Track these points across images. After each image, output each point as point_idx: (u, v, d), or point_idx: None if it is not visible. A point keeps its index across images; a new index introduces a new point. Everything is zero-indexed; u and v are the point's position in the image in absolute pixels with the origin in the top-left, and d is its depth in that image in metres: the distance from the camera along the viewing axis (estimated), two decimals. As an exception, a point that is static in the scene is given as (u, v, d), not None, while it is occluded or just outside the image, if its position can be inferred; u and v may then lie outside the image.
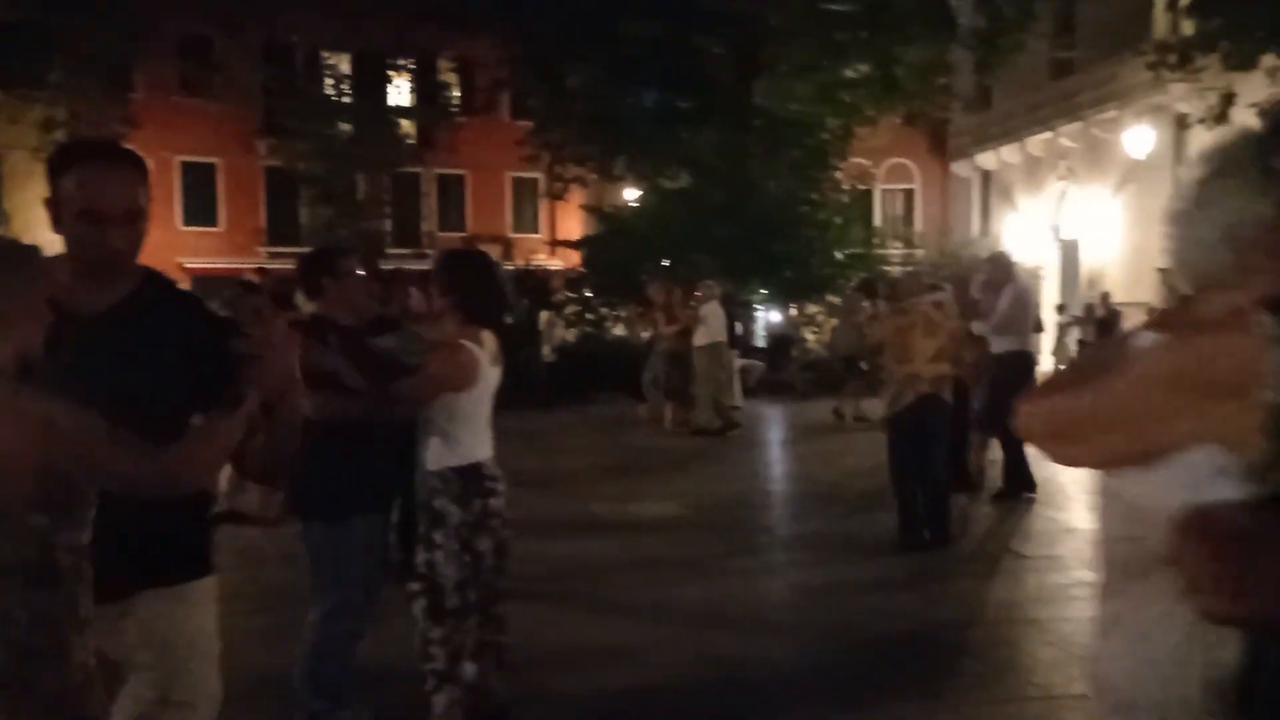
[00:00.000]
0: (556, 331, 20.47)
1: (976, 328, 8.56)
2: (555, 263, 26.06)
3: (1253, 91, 12.46)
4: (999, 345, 8.60)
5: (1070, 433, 1.42)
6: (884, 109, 21.50)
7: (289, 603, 4.73)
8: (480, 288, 3.80)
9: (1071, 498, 8.77)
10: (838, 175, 22.28)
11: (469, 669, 3.68)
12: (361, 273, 4.89)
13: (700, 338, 13.49)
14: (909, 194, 31.53)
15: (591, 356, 18.66)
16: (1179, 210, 1.56)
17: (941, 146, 30.18)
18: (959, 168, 29.56)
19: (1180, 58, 11.47)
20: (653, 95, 22.19)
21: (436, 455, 3.70)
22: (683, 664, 5.12)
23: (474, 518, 3.65)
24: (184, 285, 3.37)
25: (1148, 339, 1.44)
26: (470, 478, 3.69)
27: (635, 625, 5.73)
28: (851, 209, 22.97)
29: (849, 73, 20.77)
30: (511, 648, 3.90)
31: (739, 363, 15.64)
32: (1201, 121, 11.99)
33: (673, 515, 8.65)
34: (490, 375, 3.77)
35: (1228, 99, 11.48)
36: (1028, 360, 8.78)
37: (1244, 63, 10.72)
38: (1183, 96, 16.87)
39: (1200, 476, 1.28)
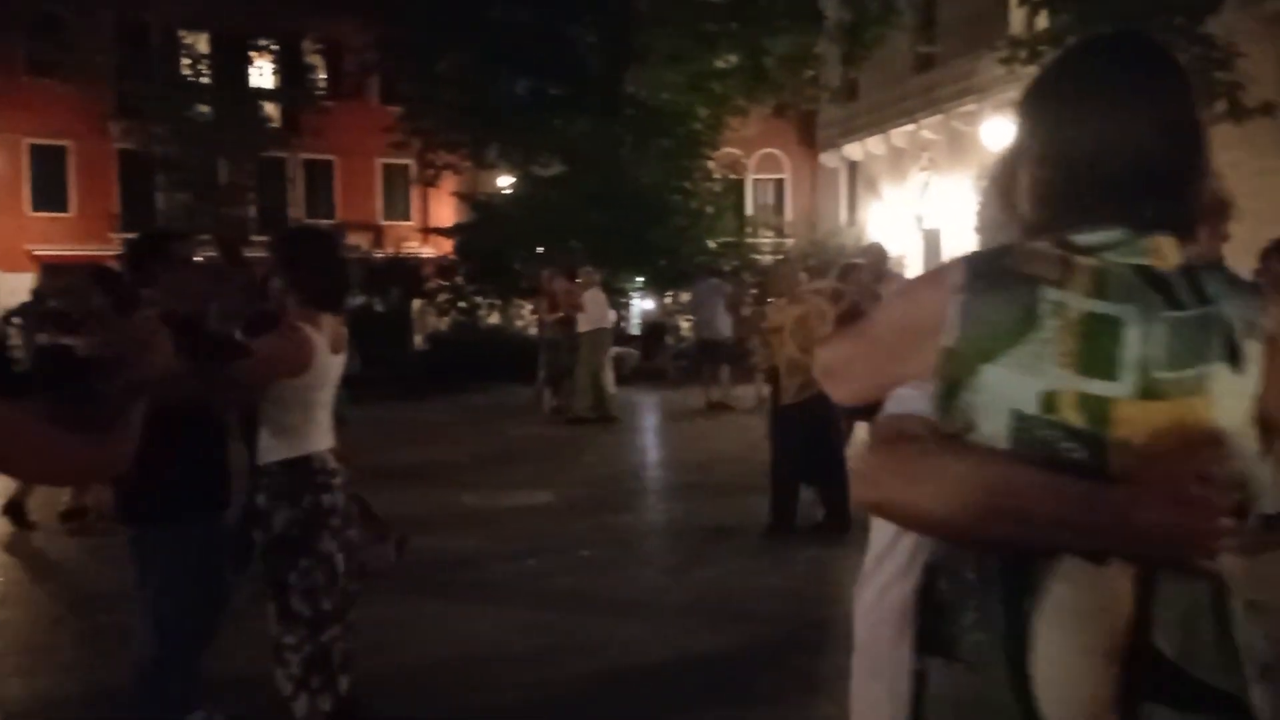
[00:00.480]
0: (429, 320, 20.19)
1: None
2: (428, 250, 25.68)
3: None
4: None
5: (837, 371, 1.60)
6: (754, 99, 21.79)
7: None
8: (320, 268, 3.53)
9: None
10: (709, 165, 22.51)
11: (343, 682, 3.48)
12: (198, 259, 4.53)
13: (583, 324, 13.46)
14: (779, 184, 32.04)
15: (466, 345, 18.46)
16: (981, 187, 1.81)
17: (811, 137, 30.74)
18: (827, 158, 30.14)
19: (1030, 53, 11.90)
20: (525, 82, 22.06)
21: (264, 448, 3.44)
22: (553, 651, 5.12)
23: (305, 515, 3.37)
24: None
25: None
26: (300, 471, 3.41)
27: (505, 615, 5.70)
28: (723, 198, 23.24)
29: (719, 63, 20.99)
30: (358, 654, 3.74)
31: (614, 351, 15.66)
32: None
33: (545, 504, 8.62)
34: (329, 362, 3.50)
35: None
36: None
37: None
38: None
39: (908, 402, 1.46)
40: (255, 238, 26.42)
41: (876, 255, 9.09)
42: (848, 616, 2.30)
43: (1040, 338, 1.30)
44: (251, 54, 29.43)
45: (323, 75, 30.12)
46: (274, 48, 29.66)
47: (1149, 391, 1.28)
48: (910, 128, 25.45)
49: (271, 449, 3.44)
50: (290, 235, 3.74)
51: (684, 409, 14.95)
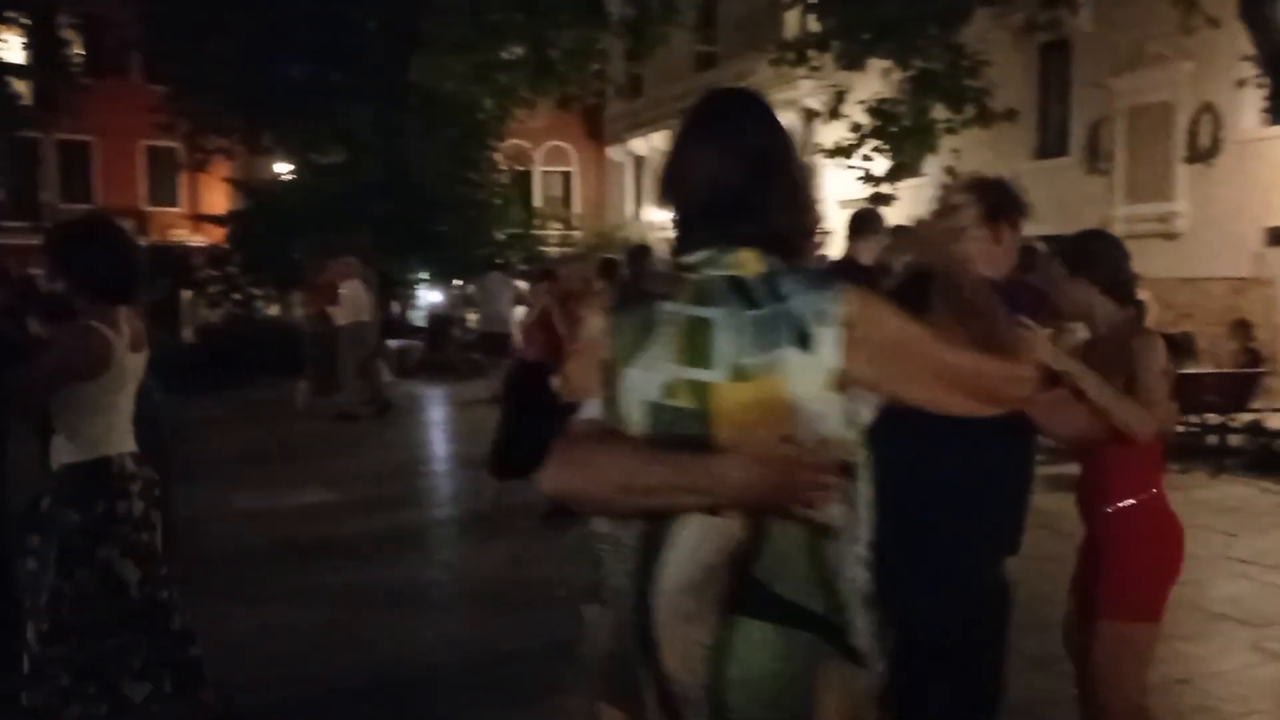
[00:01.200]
0: (200, 312, 19.26)
1: None
2: (198, 239, 24.45)
3: (867, 86, 13.76)
4: None
5: (571, 381, 1.81)
6: (539, 92, 21.80)
7: None
8: (107, 260, 3.31)
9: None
10: (496, 156, 22.39)
11: (136, 689, 3.30)
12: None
13: (340, 317, 13.08)
14: (567, 176, 32.23)
15: (239, 338, 17.70)
16: None
17: (598, 131, 31.06)
18: (614, 152, 30.56)
19: (798, 56, 12.46)
20: (304, 66, 21.28)
21: (56, 450, 3.25)
22: (328, 649, 5.01)
23: (92, 522, 3.18)
24: None
25: None
26: (92, 476, 3.22)
27: (279, 614, 5.53)
28: (510, 190, 23.17)
29: (504, 54, 20.90)
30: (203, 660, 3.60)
31: (395, 344, 15.38)
32: (818, 115, 13.14)
33: (321, 502, 8.39)
34: (129, 361, 3.31)
35: (839, 95, 12.62)
36: None
37: (854, 63, 11.84)
38: (810, 92, 18.32)
39: (595, 411, 1.72)
40: (3, 223, 24.55)
41: (638, 255, 9.18)
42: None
43: (658, 341, 1.62)
44: (-2, 27, 27.17)
45: (80, 51, 28.11)
46: (24, 21, 27.47)
47: (737, 375, 1.57)
48: (692, 124, 26.12)
49: (64, 451, 3.25)
50: (70, 230, 3.48)
51: (467, 402, 14.85)
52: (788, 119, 21.01)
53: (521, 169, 26.36)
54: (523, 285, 16.59)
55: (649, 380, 1.62)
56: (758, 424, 1.55)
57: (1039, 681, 4.01)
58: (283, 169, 23.33)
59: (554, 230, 26.01)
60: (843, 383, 1.59)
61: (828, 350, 1.58)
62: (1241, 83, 10.07)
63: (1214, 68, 13.01)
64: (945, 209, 1.94)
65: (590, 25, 20.18)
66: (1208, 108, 15.57)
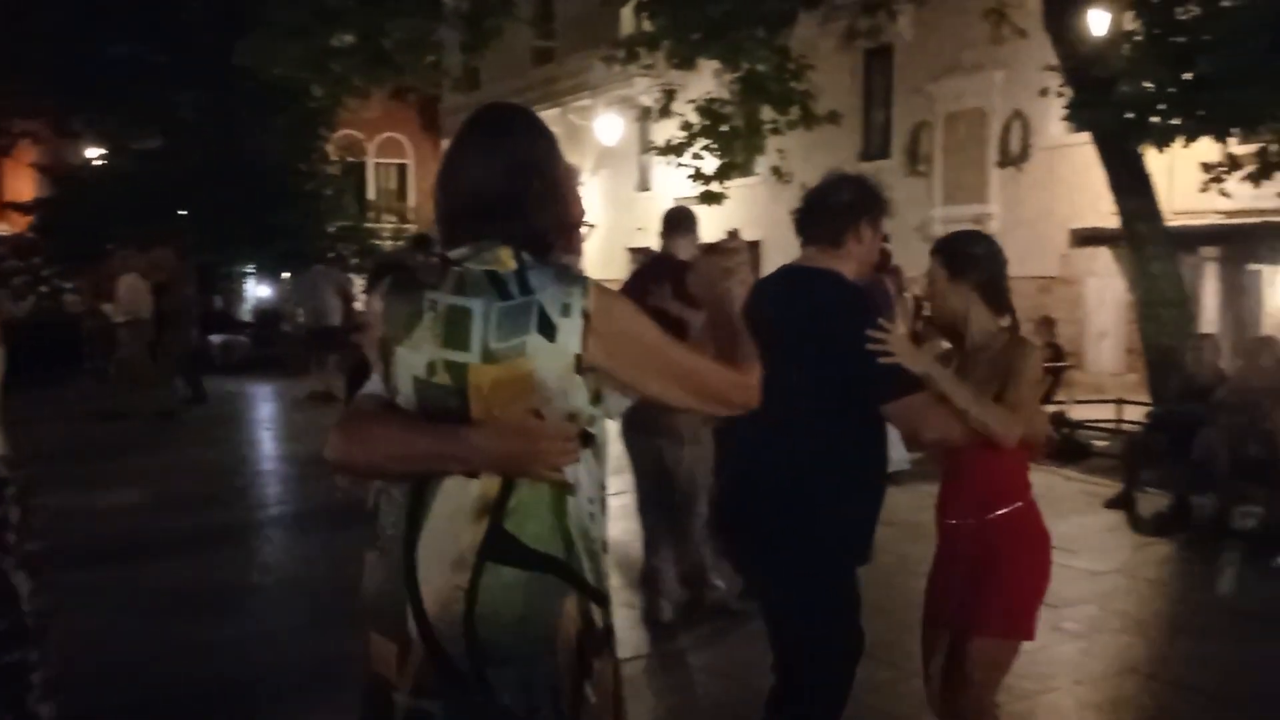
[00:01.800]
0: (5, 305, 18.08)
1: None
2: (2, 228, 22.95)
3: (700, 86, 13.95)
4: None
5: (372, 360, 1.98)
6: (373, 81, 21.29)
7: None
8: None
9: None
10: (327, 146, 21.80)
11: (44, 708, 3.16)
12: None
13: (117, 314, 12.47)
14: (402, 168, 31.59)
15: (47, 332, 16.68)
16: None
17: (434, 123, 30.56)
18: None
19: (628, 53, 12.56)
20: (122, 47, 20.22)
21: None
22: (150, 657, 4.81)
23: None
24: None
25: None
26: None
27: (100, 622, 5.23)
28: (343, 181, 22.60)
29: (336, 41, 20.32)
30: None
31: (219, 339, 14.81)
32: (649, 113, 13.28)
33: (135, 502, 8.02)
34: None
35: (670, 94, 12.78)
36: None
37: (685, 62, 12.00)
38: (646, 90, 18.47)
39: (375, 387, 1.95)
40: None
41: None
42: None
43: (424, 324, 1.83)
44: None
45: None
46: None
47: (488, 357, 1.80)
48: (530, 118, 26.00)
49: None
50: None
51: (290, 399, 14.46)
52: (624, 116, 21.23)
53: (354, 160, 25.69)
54: (357, 279, 16.22)
55: (416, 359, 1.84)
56: (508, 400, 1.80)
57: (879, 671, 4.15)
58: (95, 154, 22.14)
59: (389, 223, 25.50)
60: (583, 367, 1.82)
61: (569, 337, 1.80)
62: (1044, 91, 10.62)
63: (1024, 77, 13.69)
64: (724, 249, 2.16)
65: (426, 15, 19.82)
66: (1018, 115, 16.43)
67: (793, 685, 2.91)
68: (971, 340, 3.05)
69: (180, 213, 17.94)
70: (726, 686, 4.53)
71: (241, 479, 9.32)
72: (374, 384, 1.94)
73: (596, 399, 1.88)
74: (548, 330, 1.80)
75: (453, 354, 1.81)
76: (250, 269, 20.26)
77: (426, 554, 1.83)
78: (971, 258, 3.04)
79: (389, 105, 24.78)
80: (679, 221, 5.36)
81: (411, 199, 30.72)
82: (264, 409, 14.34)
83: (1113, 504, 7.96)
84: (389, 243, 21.85)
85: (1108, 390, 11.83)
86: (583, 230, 2.11)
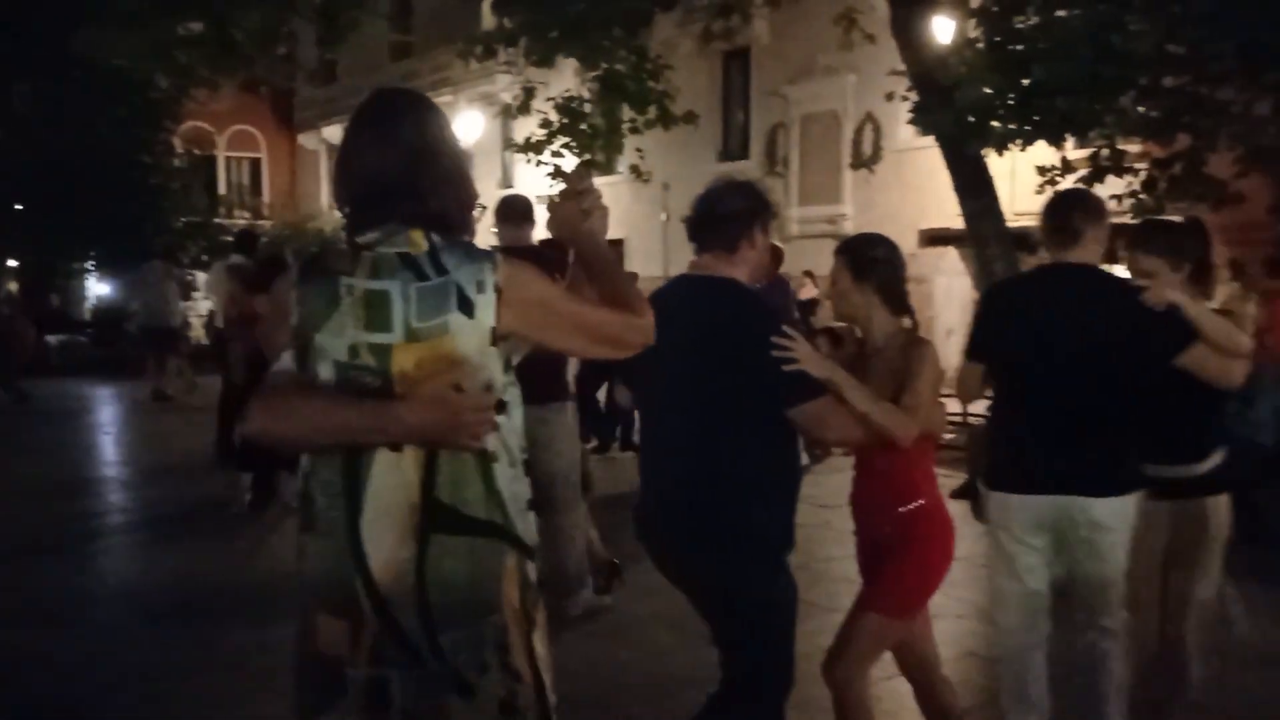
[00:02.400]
0: None
1: None
2: None
3: (561, 84, 13.92)
4: None
5: (267, 346, 2.08)
6: (221, 73, 20.57)
7: None
8: None
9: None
10: (173, 138, 20.97)
11: None
12: None
13: None
14: (256, 163, 30.63)
15: None
16: None
17: (289, 116, 29.75)
18: (306, 139, 29.38)
19: (486, 50, 12.47)
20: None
21: None
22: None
23: None
24: None
25: None
26: None
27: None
28: (191, 174, 21.77)
29: (182, 30, 19.54)
30: None
31: (56, 339, 14.09)
32: (511, 110, 13.19)
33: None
34: None
35: (529, 92, 12.73)
36: None
37: (544, 60, 11.96)
38: (507, 87, 18.34)
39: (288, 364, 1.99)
40: None
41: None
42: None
43: (342, 309, 1.90)
44: None
45: None
46: None
47: (411, 337, 1.88)
48: (389, 114, 25.52)
49: None
50: None
51: (131, 399, 13.92)
52: (485, 113, 21.02)
53: (203, 154, 24.76)
54: (201, 275, 15.64)
55: (336, 343, 1.90)
56: (431, 376, 1.88)
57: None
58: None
59: (240, 219, 24.68)
60: (498, 338, 1.92)
61: (485, 312, 1.89)
62: (890, 96, 10.96)
63: (875, 81, 14.11)
64: (575, 191, 2.17)
65: (277, 6, 19.23)
66: (870, 118, 16.94)
67: (741, 676, 2.97)
68: (872, 341, 3.15)
69: (16, 207, 16.99)
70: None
71: (72, 486, 8.87)
72: (285, 362, 1.98)
73: (508, 367, 1.98)
74: (466, 308, 1.89)
75: (376, 336, 1.88)
76: (90, 266, 19.29)
77: (370, 531, 1.89)
78: (874, 260, 3.13)
79: (240, 97, 24.00)
80: (511, 210, 5.34)
81: (266, 194, 29.80)
82: (100, 412, 13.71)
83: (958, 494, 8.23)
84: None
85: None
86: (475, 211, 2.12)
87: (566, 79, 14.25)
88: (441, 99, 23.41)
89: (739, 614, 2.91)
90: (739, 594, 2.88)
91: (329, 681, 1.94)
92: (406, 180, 1.94)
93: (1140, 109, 8.76)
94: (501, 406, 1.96)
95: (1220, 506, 3.62)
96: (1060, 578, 3.42)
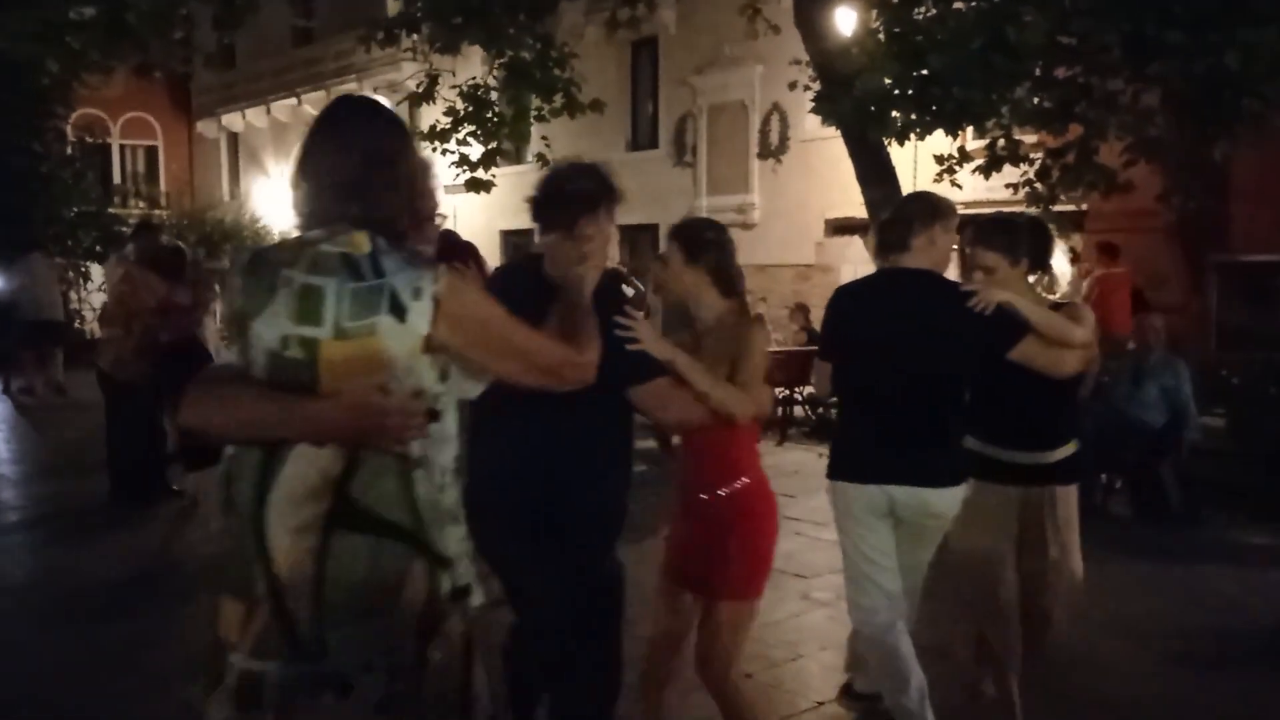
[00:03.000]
0: None
1: None
2: None
3: (468, 71, 13.75)
4: None
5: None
6: (114, 57, 19.91)
7: None
8: None
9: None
10: (65, 126, 20.24)
11: None
12: None
13: None
14: (152, 151, 29.72)
15: None
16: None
17: (186, 103, 28.94)
18: (205, 127, 28.60)
19: (387, 36, 12.28)
20: None
21: None
22: None
23: None
24: None
25: None
26: None
27: None
28: (83, 163, 21.03)
29: (73, 14, 18.86)
30: None
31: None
32: (415, 98, 12.98)
33: None
34: None
35: (433, 79, 12.55)
36: None
37: (447, 46, 11.80)
38: (413, 75, 18.05)
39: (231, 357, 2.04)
40: None
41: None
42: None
43: (279, 300, 1.95)
44: None
45: None
46: None
47: (340, 334, 1.92)
48: (292, 102, 24.99)
49: None
50: None
51: (17, 394, 13.54)
52: (391, 100, 20.70)
53: (96, 142, 23.93)
54: (96, 267, 15.18)
55: (270, 333, 1.94)
56: (357, 374, 1.91)
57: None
58: None
59: (137, 209, 23.95)
60: (431, 347, 1.96)
61: (418, 319, 1.94)
62: (794, 85, 11.06)
63: (781, 71, 14.22)
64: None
65: (173, -13, 18.66)
66: (777, 108, 17.08)
67: (566, 671, 2.95)
68: (703, 321, 3.22)
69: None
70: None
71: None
72: (229, 355, 2.06)
73: (444, 377, 2.03)
74: (398, 311, 1.93)
75: (305, 329, 1.93)
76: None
77: (275, 517, 1.92)
78: (706, 242, 3.22)
79: (135, 83, 23.24)
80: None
81: (163, 183, 28.93)
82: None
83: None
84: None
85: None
86: (435, 221, 2.24)
87: (473, 66, 14.07)
88: (345, 86, 23.01)
89: (565, 599, 2.88)
90: (571, 577, 2.87)
91: (217, 667, 1.97)
92: (356, 184, 2.02)
93: (1034, 99, 8.96)
94: (434, 415, 1.99)
95: (1070, 495, 3.86)
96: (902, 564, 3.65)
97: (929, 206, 3.65)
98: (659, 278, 3.37)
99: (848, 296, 3.80)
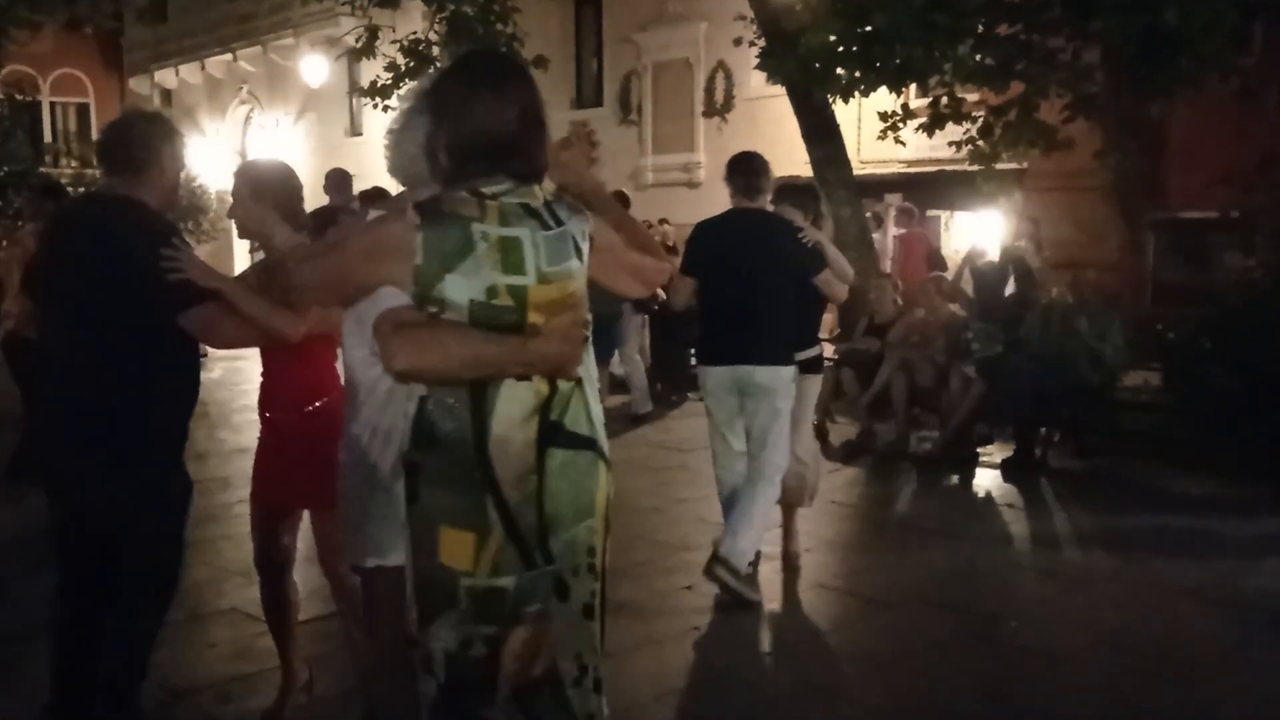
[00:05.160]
0: None
1: None
2: None
3: (409, 26, 13.54)
4: None
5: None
6: (41, 12, 19.29)
7: None
8: None
9: (241, 420, 8.87)
10: (-9, 82, 19.64)
11: None
12: None
13: None
14: (84, 108, 28.91)
15: None
16: (391, 131, 2.65)
17: (118, 59, 28.15)
18: (138, 84, 27.84)
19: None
20: None
21: None
22: None
23: None
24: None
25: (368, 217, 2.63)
26: None
27: None
28: (12, 121, 20.42)
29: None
30: None
31: None
32: (354, 53, 12.78)
33: None
34: None
35: (373, 33, 12.35)
36: None
37: (387, 0, 11.61)
38: (352, 30, 17.71)
39: (391, 300, 2.20)
40: None
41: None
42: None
43: (477, 254, 2.13)
44: None
45: None
46: None
47: (543, 279, 2.16)
48: (227, 58, 24.41)
49: None
50: None
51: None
52: (327, 56, 20.28)
53: (25, 99, 23.23)
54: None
55: (474, 283, 2.12)
56: (558, 313, 2.15)
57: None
58: None
59: (69, 168, 23.33)
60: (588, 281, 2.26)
61: (587, 259, 2.23)
62: (738, 41, 11.01)
63: (726, 28, 14.15)
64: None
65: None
66: (722, 66, 17.02)
67: (135, 578, 3.22)
68: (273, 252, 3.35)
69: None
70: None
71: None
72: (391, 297, 2.20)
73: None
74: (580, 254, 2.22)
75: (513, 279, 2.13)
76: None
77: (498, 450, 2.13)
78: (268, 182, 3.36)
79: (64, 38, 22.58)
80: (338, 182, 5.96)
81: (95, 141, 28.18)
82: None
83: (808, 436, 8.49)
84: (70, 188, 19.96)
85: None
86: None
87: (413, 21, 13.86)
88: (283, 42, 22.52)
89: (135, 518, 3.14)
90: (134, 497, 3.12)
91: (446, 592, 2.16)
92: (517, 138, 2.17)
93: (976, 57, 9.02)
94: (588, 340, 2.26)
95: (815, 380, 5.42)
96: (747, 426, 4.85)
97: (768, 164, 4.99)
98: None
99: (708, 228, 5.00)
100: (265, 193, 3.31)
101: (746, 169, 4.91)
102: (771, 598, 4.96)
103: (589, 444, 2.24)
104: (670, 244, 15.85)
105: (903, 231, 12.42)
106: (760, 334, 4.75)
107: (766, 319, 4.77)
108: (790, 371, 4.83)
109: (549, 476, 2.17)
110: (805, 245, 4.88)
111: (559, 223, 2.18)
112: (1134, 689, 3.97)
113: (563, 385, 2.19)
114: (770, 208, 5.05)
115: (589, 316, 2.24)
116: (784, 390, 4.80)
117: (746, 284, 4.74)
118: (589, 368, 2.27)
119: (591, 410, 2.26)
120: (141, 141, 3.18)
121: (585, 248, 2.23)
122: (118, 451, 3.09)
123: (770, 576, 5.24)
